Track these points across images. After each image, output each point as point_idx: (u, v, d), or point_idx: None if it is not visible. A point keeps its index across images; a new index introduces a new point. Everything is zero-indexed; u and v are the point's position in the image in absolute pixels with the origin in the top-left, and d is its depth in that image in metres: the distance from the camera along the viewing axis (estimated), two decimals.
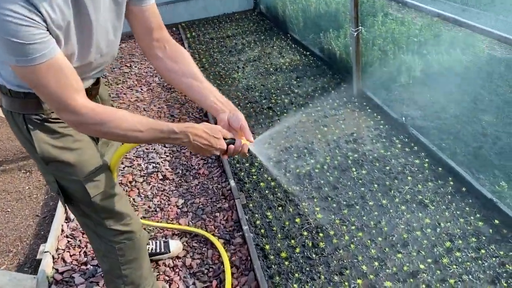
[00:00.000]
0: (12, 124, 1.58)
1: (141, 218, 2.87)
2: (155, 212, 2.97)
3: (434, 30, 4.61)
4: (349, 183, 2.94)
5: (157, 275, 2.45)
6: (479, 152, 3.09)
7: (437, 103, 3.78)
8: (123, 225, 1.76)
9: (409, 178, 2.91)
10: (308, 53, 5.36)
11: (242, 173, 3.21)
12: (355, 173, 3.03)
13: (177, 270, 2.49)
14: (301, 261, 2.39)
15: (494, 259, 2.25)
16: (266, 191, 2.96)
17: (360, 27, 3.74)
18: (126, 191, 3.23)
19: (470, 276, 2.18)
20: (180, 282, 2.40)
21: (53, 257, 2.62)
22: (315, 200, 2.82)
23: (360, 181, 2.95)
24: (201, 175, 3.32)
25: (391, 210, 2.66)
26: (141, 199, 3.13)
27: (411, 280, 2.19)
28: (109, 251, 1.78)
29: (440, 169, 2.95)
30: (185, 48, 6.05)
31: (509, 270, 2.17)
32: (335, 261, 2.36)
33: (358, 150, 3.30)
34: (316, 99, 4.21)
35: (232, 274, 2.39)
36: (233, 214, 2.84)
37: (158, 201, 3.08)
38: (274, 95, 4.40)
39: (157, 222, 2.86)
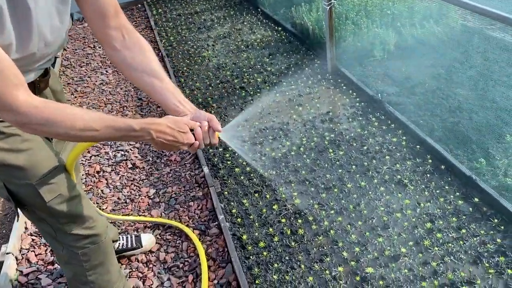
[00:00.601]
0: None
1: (109, 213, 2.72)
2: (125, 204, 2.82)
3: (407, 2, 4.49)
4: (326, 165, 2.86)
5: (130, 272, 2.32)
6: (456, 128, 3.05)
7: (412, 78, 3.71)
8: (85, 229, 1.61)
9: (387, 157, 2.84)
10: (279, 28, 5.18)
11: (216, 159, 3.08)
12: (332, 154, 2.94)
13: (150, 265, 2.37)
14: (280, 250, 2.30)
15: (475, 238, 2.21)
16: (242, 177, 2.84)
17: (332, 0, 3.59)
18: (94, 182, 3.05)
19: (452, 257, 2.14)
20: (154, 279, 2.28)
21: (16, 258, 2.45)
22: (292, 184, 2.72)
23: (337, 163, 2.87)
24: (173, 162, 3.17)
25: (370, 192, 2.59)
26: (110, 190, 2.97)
27: (393, 264, 2.14)
28: (72, 257, 1.64)
29: (418, 147, 2.90)
30: (151, 26, 5.79)
31: (490, 250, 2.14)
32: (315, 248, 2.28)
33: (335, 129, 3.21)
34: (290, 77, 4.07)
35: (209, 267, 2.29)
36: (208, 203, 2.72)
37: (128, 192, 2.92)
38: (246, 74, 4.24)
39: (128, 215, 2.72)
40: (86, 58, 5.12)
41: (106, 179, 3.07)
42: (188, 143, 1.40)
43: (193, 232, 2.49)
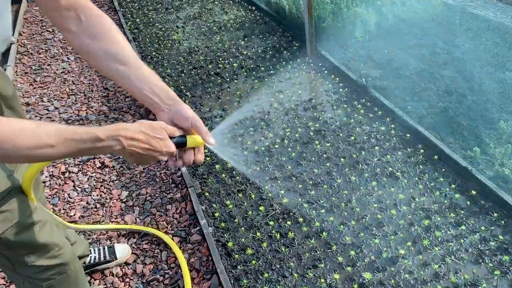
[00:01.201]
0: None
1: (77, 221, 2.46)
2: (95, 209, 2.56)
3: None
4: (313, 158, 2.67)
5: None
6: (445, 113, 2.91)
7: (396, 60, 3.54)
8: (50, 259, 1.37)
9: (376, 148, 2.67)
10: (253, 8, 4.90)
11: None
12: (318, 146, 2.75)
13: (127, 279, 2.14)
14: (269, 256, 2.12)
15: (475, 235, 2.09)
16: (223, 175, 2.62)
17: None
18: (59, 184, 2.77)
19: (453, 257, 2.01)
20: None
21: None
22: (278, 181, 2.53)
23: (324, 155, 2.69)
24: None
25: (361, 187, 2.42)
26: (78, 193, 2.69)
27: (392, 268, 1.99)
28: None
29: (408, 135, 2.74)
30: (115, 7, 5.39)
31: (492, 247, 2.02)
32: (307, 253, 2.11)
33: (319, 118, 3.02)
34: (268, 61, 3.84)
35: (192, 279, 2.08)
36: (187, 205, 2.49)
37: (97, 195, 2.66)
38: (221, 59, 3.97)
39: (99, 222, 2.46)
40: (45, 43, 4.70)
41: (73, 181, 2.79)
42: (167, 152, 1.17)
43: (173, 240, 2.28)
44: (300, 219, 2.26)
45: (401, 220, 2.21)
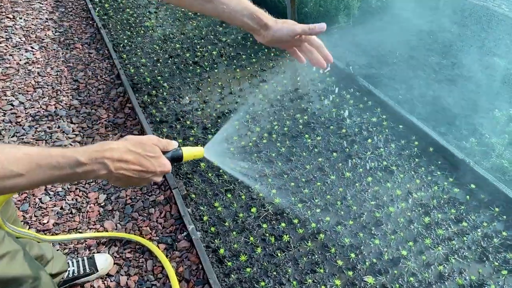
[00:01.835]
0: None
1: (50, 230, 2.24)
2: (70, 215, 2.35)
3: None
4: (304, 153, 2.53)
5: None
6: (436, 102, 2.82)
7: (383, 46, 3.43)
8: None
9: (369, 140, 2.56)
10: None
11: None
12: (308, 140, 2.61)
13: None
14: (264, 262, 1.97)
15: (477, 232, 2.01)
16: (209, 173, 2.45)
17: None
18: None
19: (456, 256, 1.92)
20: None
21: None
22: (268, 179, 2.38)
23: (315, 150, 2.55)
24: None
25: (356, 184, 2.31)
26: (50, 198, 2.47)
27: (395, 270, 1.89)
28: None
29: (400, 126, 2.64)
30: None
31: (495, 243, 1.95)
32: (304, 257, 1.98)
33: (307, 109, 2.87)
34: (249, 49, 3.65)
35: None
36: (172, 208, 2.32)
37: (73, 199, 2.45)
38: (198, 46, 3.76)
39: (76, 229, 2.26)
40: (5, 31, 4.34)
41: None
42: (162, 172, 1.02)
43: (158, 247, 2.10)
44: (295, 220, 2.13)
45: (400, 217, 2.11)
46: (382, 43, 3.45)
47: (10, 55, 3.93)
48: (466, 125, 2.61)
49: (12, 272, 1.14)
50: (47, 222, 2.31)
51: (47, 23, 4.48)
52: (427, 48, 3.36)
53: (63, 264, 1.84)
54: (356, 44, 3.49)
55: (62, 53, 3.90)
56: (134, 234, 2.19)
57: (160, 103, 3.05)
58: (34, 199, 2.46)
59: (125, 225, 2.26)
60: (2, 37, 4.21)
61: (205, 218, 2.18)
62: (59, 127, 2.99)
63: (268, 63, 3.40)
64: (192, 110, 3.00)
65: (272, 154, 2.53)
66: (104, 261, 2.03)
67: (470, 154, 2.38)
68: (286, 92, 3.05)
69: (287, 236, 2.05)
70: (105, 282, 2.00)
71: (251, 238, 2.07)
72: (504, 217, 2.06)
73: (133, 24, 4.25)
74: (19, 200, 2.45)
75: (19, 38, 4.21)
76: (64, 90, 3.39)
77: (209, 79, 3.31)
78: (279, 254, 1.99)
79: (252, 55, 3.53)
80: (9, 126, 3.01)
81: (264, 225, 2.11)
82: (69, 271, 1.93)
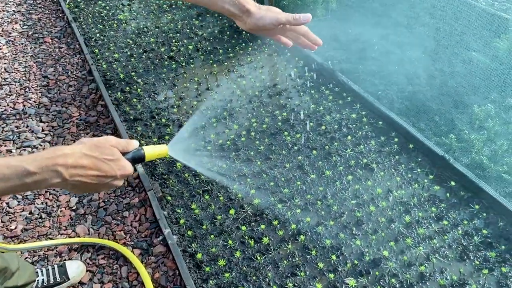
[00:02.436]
0: None
1: (16, 238, 2.13)
2: (40, 220, 2.24)
3: None
4: (283, 151, 2.47)
5: None
6: (415, 97, 2.79)
7: (361, 40, 3.39)
8: None
9: (348, 137, 2.52)
10: None
11: None
12: (288, 137, 2.55)
13: None
14: (243, 266, 1.91)
15: (458, 230, 1.99)
16: (186, 174, 2.37)
17: None
18: None
19: (437, 256, 1.90)
20: None
21: None
22: (247, 179, 2.31)
23: (295, 147, 2.50)
24: None
25: (336, 182, 2.26)
26: (18, 202, 2.35)
27: (376, 272, 1.85)
28: None
29: (380, 122, 2.61)
30: None
31: (475, 241, 1.94)
32: (284, 260, 1.93)
33: (286, 106, 2.81)
34: (226, 43, 3.56)
35: None
36: (147, 211, 2.23)
37: (42, 203, 2.33)
38: (174, 40, 3.65)
39: (46, 235, 2.15)
40: None
41: None
42: (122, 175, 0.95)
43: (133, 253, 2.02)
44: (275, 222, 2.07)
45: (381, 217, 2.07)
46: (360, 37, 3.41)
47: None
48: (442, 119, 2.59)
49: None
50: (15, 228, 2.20)
51: (14, 16, 4.28)
52: (404, 42, 3.33)
53: (30, 274, 1.73)
54: (335, 39, 3.44)
55: (31, 48, 3.73)
56: (108, 239, 2.10)
57: (134, 100, 2.94)
58: (1, 203, 2.34)
59: (98, 230, 2.17)
60: None
61: (181, 221, 2.11)
62: (27, 126, 2.85)
63: (246, 57, 3.32)
64: (167, 107, 2.90)
65: (251, 152, 2.46)
66: (76, 268, 1.94)
67: (450, 150, 2.36)
68: (264, 88, 2.98)
69: (267, 238, 2.00)
70: None
71: (230, 241, 2.00)
72: (484, 214, 2.05)
73: (106, 17, 4.09)
74: None
75: None
76: (32, 87, 3.24)
77: (185, 75, 3.21)
78: (258, 258, 1.93)
79: (229, 49, 3.44)
80: None
81: (243, 227, 2.05)
82: (38, 281, 1.83)
